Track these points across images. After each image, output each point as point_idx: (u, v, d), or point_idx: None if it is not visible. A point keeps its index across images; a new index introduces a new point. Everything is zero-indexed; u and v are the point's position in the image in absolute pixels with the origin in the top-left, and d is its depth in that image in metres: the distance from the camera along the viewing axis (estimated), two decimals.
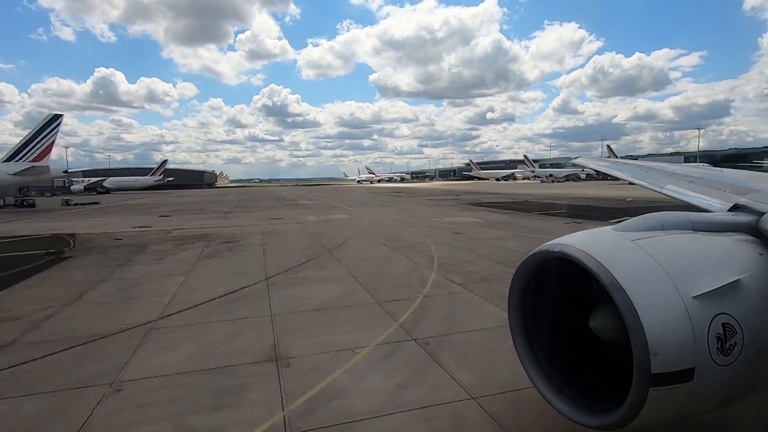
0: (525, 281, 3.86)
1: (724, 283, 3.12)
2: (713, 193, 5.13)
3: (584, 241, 3.46)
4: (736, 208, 4.37)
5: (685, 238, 3.57)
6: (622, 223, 3.70)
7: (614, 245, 3.41)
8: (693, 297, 3.03)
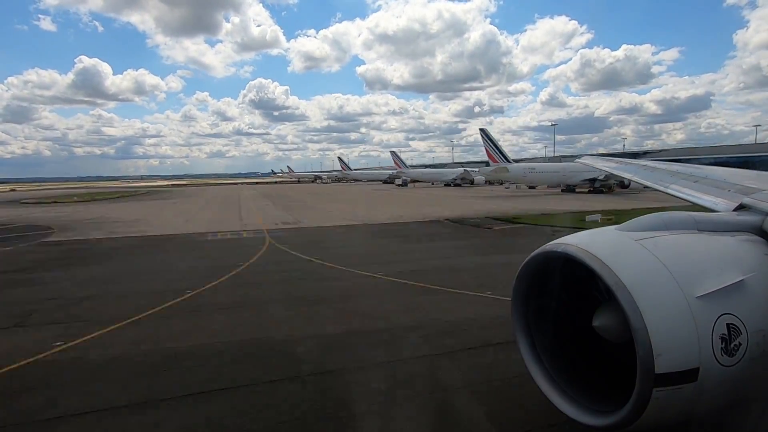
0: (528, 281, 3.85)
1: (729, 284, 3.11)
2: (718, 193, 5.10)
3: (588, 241, 3.45)
4: (741, 207, 4.34)
5: (689, 238, 3.55)
6: (626, 222, 3.68)
7: (618, 245, 3.40)
8: (697, 297, 3.01)
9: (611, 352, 3.49)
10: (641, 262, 3.21)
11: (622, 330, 3.09)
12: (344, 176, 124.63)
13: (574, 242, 3.45)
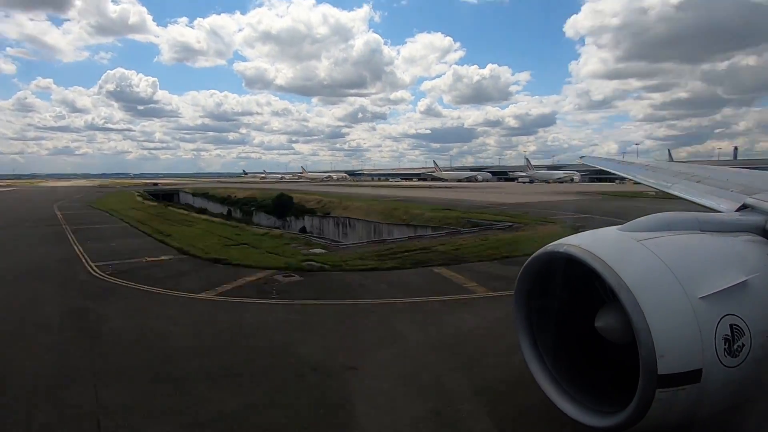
0: (530, 282, 3.85)
1: (732, 284, 3.09)
2: (721, 193, 5.08)
3: (590, 242, 3.44)
4: (744, 208, 4.32)
5: (692, 238, 3.54)
6: (628, 223, 3.67)
7: (620, 246, 3.39)
8: (700, 298, 3.00)
9: (614, 352, 3.48)
10: (644, 262, 3.20)
11: (624, 331, 3.08)
12: (438, 176, 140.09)
13: (577, 242, 3.44)
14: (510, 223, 23.38)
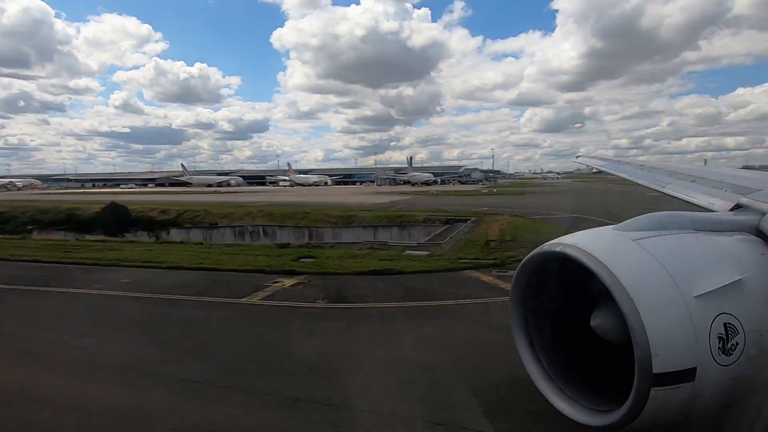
0: (526, 281, 3.86)
1: (726, 283, 3.12)
2: (715, 193, 5.12)
3: (586, 242, 3.45)
4: (737, 207, 4.36)
5: (686, 238, 3.56)
6: (623, 222, 3.69)
7: (616, 245, 3.40)
8: (695, 297, 3.02)
9: (609, 351, 3.50)
10: (639, 262, 3.22)
11: (620, 330, 3.10)
12: (189, 180, 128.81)
13: (572, 242, 3.45)
14: (472, 217, 28.62)
